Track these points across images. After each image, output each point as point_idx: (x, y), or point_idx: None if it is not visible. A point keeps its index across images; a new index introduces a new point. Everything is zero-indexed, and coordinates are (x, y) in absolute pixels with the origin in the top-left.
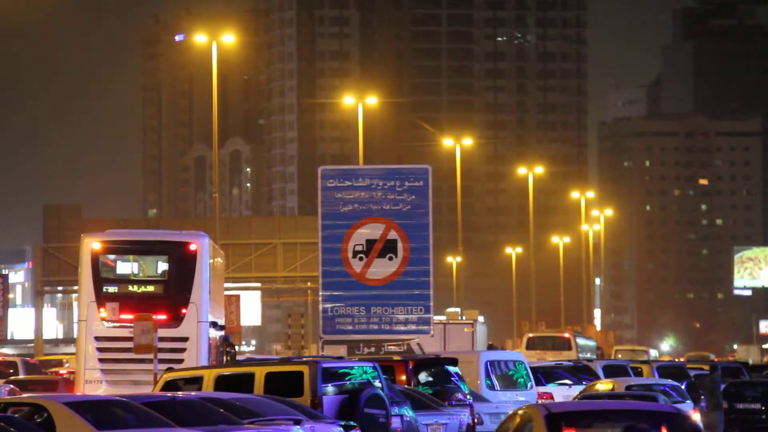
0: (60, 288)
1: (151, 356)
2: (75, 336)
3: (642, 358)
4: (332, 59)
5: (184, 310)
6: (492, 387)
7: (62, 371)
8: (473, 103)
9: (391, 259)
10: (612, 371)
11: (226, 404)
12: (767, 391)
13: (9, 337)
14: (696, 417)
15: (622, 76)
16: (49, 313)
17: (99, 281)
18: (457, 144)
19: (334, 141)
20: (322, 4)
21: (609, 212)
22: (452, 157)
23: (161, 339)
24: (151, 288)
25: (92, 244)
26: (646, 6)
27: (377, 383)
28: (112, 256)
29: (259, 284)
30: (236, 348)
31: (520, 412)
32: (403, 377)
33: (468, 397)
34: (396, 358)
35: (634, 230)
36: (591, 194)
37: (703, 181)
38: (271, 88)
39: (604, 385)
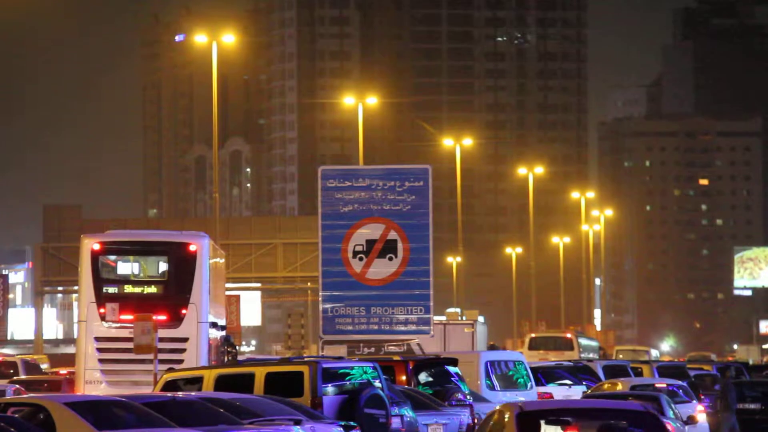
0: (60, 288)
1: (151, 357)
2: (75, 336)
3: (643, 358)
4: (332, 59)
5: (183, 311)
6: (492, 387)
7: (62, 371)
8: (473, 103)
9: (391, 259)
10: (612, 371)
11: (226, 404)
12: (767, 392)
13: (9, 338)
14: (702, 417)
15: (622, 76)
16: (49, 313)
17: (99, 282)
18: (458, 144)
19: (334, 141)
20: (322, 4)
21: (609, 212)
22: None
23: (161, 339)
24: (150, 288)
25: (92, 244)
26: (646, 6)
27: (377, 383)
28: (112, 257)
29: (259, 284)
30: (237, 348)
31: (498, 410)
32: (403, 377)
33: (468, 397)
34: (396, 358)
35: (634, 230)
36: (591, 194)
37: (703, 181)
38: (271, 88)
39: (611, 386)
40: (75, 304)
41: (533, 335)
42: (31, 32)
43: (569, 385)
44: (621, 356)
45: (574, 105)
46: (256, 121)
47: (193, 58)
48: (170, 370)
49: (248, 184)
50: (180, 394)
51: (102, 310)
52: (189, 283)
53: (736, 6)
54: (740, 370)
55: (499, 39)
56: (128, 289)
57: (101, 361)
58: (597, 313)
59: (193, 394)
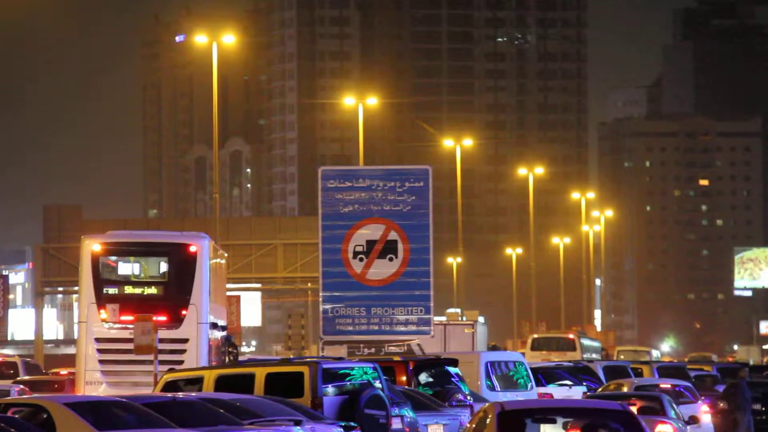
0: (60, 289)
1: (151, 357)
2: (75, 337)
3: (644, 359)
4: (332, 59)
5: (184, 312)
6: (492, 388)
7: (63, 371)
8: (473, 103)
9: (391, 259)
10: (612, 372)
11: (227, 405)
12: (767, 392)
13: (9, 338)
14: (707, 418)
15: (622, 76)
16: (50, 313)
17: (99, 283)
18: (458, 144)
19: (334, 141)
20: (322, 4)
21: (609, 213)
22: (452, 157)
23: (161, 340)
24: (151, 289)
25: (92, 245)
26: (646, 6)
27: (377, 384)
28: (112, 258)
29: (259, 285)
30: (238, 348)
31: (483, 409)
32: (404, 378)
33: (468, 397)
34: (396, 358)
35: (635, 231)
36: (591, 195)
37: (704, 182)
38: (271, 89)
39: (617, 387)
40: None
41: (535, 336)
42: (32, 32)
43: (569, 386)
44: (622, 357)
45: (574, 105)
46: (256, 122)
47: (193, 58)
48: (170, 370)
49: (248, 185)
50: (180, 394)
51: (102, 311)
52: (189, 284)
53: (736, 6)
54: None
55: (499, 39)
56: (128, 290)
57: (101, 362)
58: (597, 313)
59: (193, 394)
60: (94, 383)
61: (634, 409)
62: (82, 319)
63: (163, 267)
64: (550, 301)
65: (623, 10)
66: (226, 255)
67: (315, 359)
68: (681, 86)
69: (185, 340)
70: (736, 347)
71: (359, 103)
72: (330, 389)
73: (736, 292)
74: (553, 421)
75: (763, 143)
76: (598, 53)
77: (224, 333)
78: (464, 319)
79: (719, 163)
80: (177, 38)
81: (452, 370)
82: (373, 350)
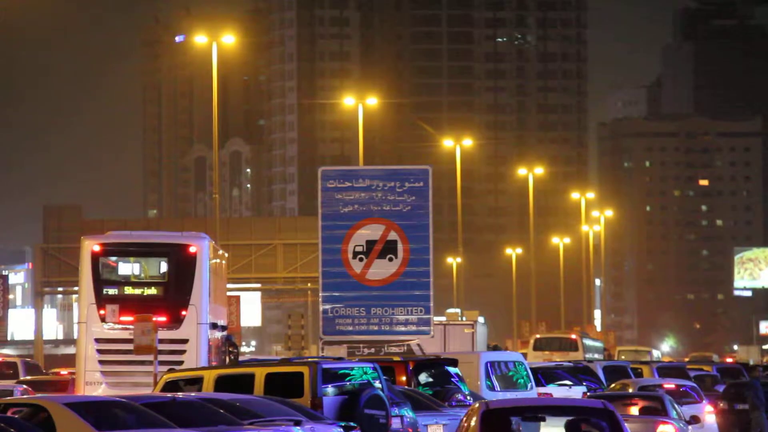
0: (60, 289)
1: (150, 358)
2: (75, 337)
3: (645, 359)
4: (332, 60)
5: (183, 312)
6: (492, 388)
7: (63, 372)
8: (473, 103)
9: (391, 259)
10: (612, 372)
11: (226, 405)
12: (767, 392)
13: (9, 338)
14: (711, 418)
15: (622, 76)
16: (49, 313)
17: (99, 283)
18: (458, 144)
19: (334, 141)
20: (322, 4)
21: (609, 213)
22: (452, 157)
23: (161, 341)
24: (150, 290)
25: (92, 246)
26: (646, 6)
27: (377, 384)
28: (111, 259)
29: (259, 285)
30: (238, 348)
31: (472, 407)
32: (403, 378)
33: (468, 397)
34: (396, 358)
35: (635, 231)
36: (591, 195)
37: (704, 182)
38: (271, 89)
39: (623, 387)
40: (75, 304)
41: (538, 336)
42: (31, 32)
43: (569, 386)
44: (623, 357)
45: (574, 106)
46: (256, 122)
47: (193, 58)
48: (170, 371)
49: (248, 185)
50: (180, 394)
51: (102, 312)
52: (189, 285)
53: (736, 6)
54: (740, 370)
55: (499, 40)
56: (128, 290)
57: (101, 362)
58: (597, 313)
59: (193, 394)
60: (93, 383)
61: (636, 410)
62: (81, 320)
63: (163, 267)
64: (549, 301)
65: (623, 10)
66: (226, 255)
67: (315, 359)
68: (681, 86)
69: (185, 341)
70: (735, 347)
71: (359, 104)
72: (330, 389)
73: (736, 293)
74: (538, 419)
75: (763, 143)
76: (598, 53)
77: (224, 333)
78: (464, 319)
79: (719, 163)
80: (177, 38)
81: (452, 370)
82: (372, 350)
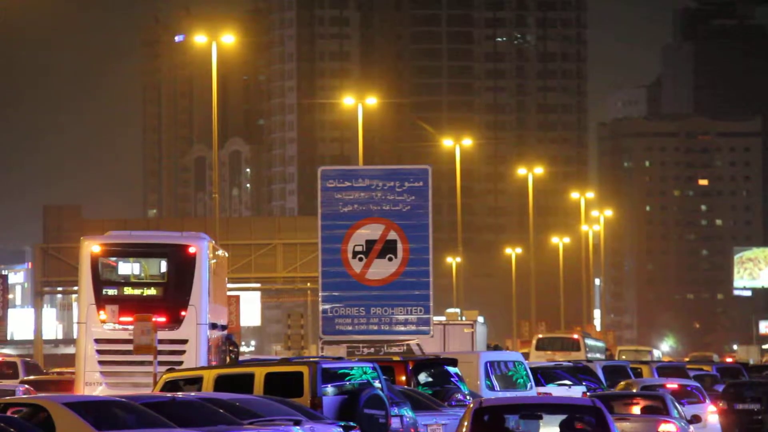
0: (60, 289)
1: (150, 358)
2: (75, 337)
3: (646, 359)
4: (332, 59)
5: (183, 313)
6: (492, 387)
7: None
8: (473, 103)
9: (390, 259)
10: (612, 372)
11: (226, 405)
12: (766, 392)
13: (9, 338)
14: (714, 418)
15: (622, 76)
16: (49, 313)
17: (98, 284)
18: (457, 144)
19: (334, 141)
20: (322, 4)
21: (609, 213)
22: (452, 157)
23: (161, 341)
24: (150, 290)
25: (92, 246)
26: (646, 6)
27: (377, 384)
28: (111, 259)
29: (258, 285)
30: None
31: (469, 406)
32: (403, 378)
33: (468, 397)
34: (395, 358)
35: (634, 231)
36: (591, 195)
37: (703, 182)
38: (270, 89)
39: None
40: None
41: (540, 336)
42: (31, 32)
43: (569, 386)
44: (624, 357)
45: (573, 105)
46: (256, 122)
47: (193, 58)
48: (170, 371)
49: (248, 185)
50: (180, 394)
51: (102, 312)
52: (188, 285)
53: (736, 6)
54: (740, 370)
55: (499, 39)
56: (128, 291)
57: (101, 362)
58: (597, 313)
59: (192, 394)
60: (93, 384)
61: (637, 409)
62: (81, 320)
63: (163, 268)
64: (549, 301)
65: (623, 10)
66: (226, 255)
67: (314, 359)
68: (681, 86)
69: (184, 341)
70: (735, 347)
71: (359, 103)
72: (329, 389)
73: (736, 292)
74: (534, 417)
75: (763, 143)
76: (598, 53)
77: (224, 333)
78: (464, 318)
79: (719, 163)
80: (177, 38)
81: (451, 369)
82: (372, 350)
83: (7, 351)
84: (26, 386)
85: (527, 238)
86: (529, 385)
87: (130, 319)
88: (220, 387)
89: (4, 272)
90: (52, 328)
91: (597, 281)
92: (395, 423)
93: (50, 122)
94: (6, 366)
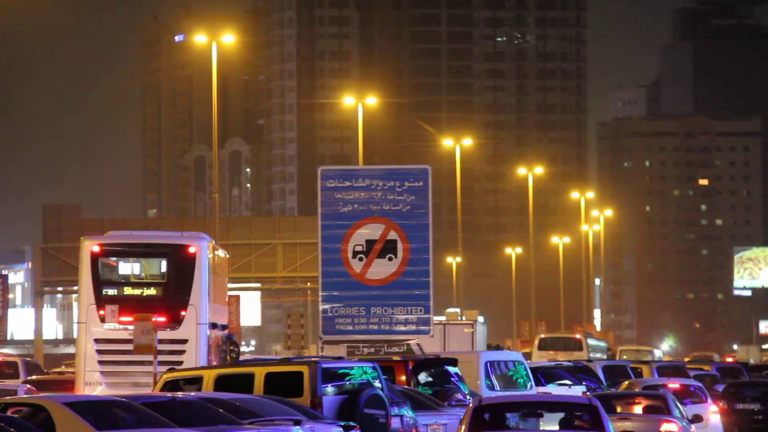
0: (60, 288)
1: (150, 358)
2: (75, 337)
3: (647, 358)
4: (332, 59)
5: (183, 313)
6: (492, 387)
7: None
8: (473, 103)
9: (390, 259)
10: (612, 371)
11: (226, 404)
12: (767, 392)
13: (9, 338)
14: (716, 418)
15: (622, 76)
16: (49, 313)
17: (98, 284)
18: (457, 144)
19: (334, 141)
20: (322, 4)
21: (609, 212)
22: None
23: (160, 341)
24: (150, 290)
25: (91, 246)
26: (646, 6)
27: (377, 383)
28: (111, 259)
29: (258, 284)
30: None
31: (469, 405)
32: (403, 377)
33: (468, 397)
34: (396, 358)
35: (634, 230)
36: (591, 194)
37: (703, 182)
38: (270, 88)
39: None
40: (74, 304)
41: (543, 336)
42: (31, 32)
43: (569, 385)
44: (625, 356)
45: (573, 105)
46: (256, 122)
47: (193, 58)
48: (170, 370)
49: (248, 185)
50: (179, 394)
51: (101, 312)
52: (188, 285)
53: (736, 6)
54: (740, 370)
55: (499, 39)
56: (127, 290)
57: (101, 362)
58: (597, 313)
59: (192, 394)
60: (93, 383)
61: (639, 408)
62: (81, 320)
63: (163, 268)
64: (549, 301)
65: (623, 10)
66: (227, 255)
67: (314, 359)
68: (680, 86)
69: (184, 341)
70: (735, 347)
71: (359, 103)
72: (329, 389)
73: (736, 292)
74: (534, 415)
75: (762, 143)
76: (597, 53)
77: (225, 333)
78: (464, 318)
79: (719, 162)
80: (176, 38)
81: (452, 369)
82: (372, 350)
83: (7, 351)
84: (28, 386)
85: (527, 237)
86: (529, 385)
87: (130, 318)
88: (220, 387)
89: (4, 272)
90: (52, 328)
91: (597, 281)
92: (395, 423)
93: (50, 122)
94: (6, 366)
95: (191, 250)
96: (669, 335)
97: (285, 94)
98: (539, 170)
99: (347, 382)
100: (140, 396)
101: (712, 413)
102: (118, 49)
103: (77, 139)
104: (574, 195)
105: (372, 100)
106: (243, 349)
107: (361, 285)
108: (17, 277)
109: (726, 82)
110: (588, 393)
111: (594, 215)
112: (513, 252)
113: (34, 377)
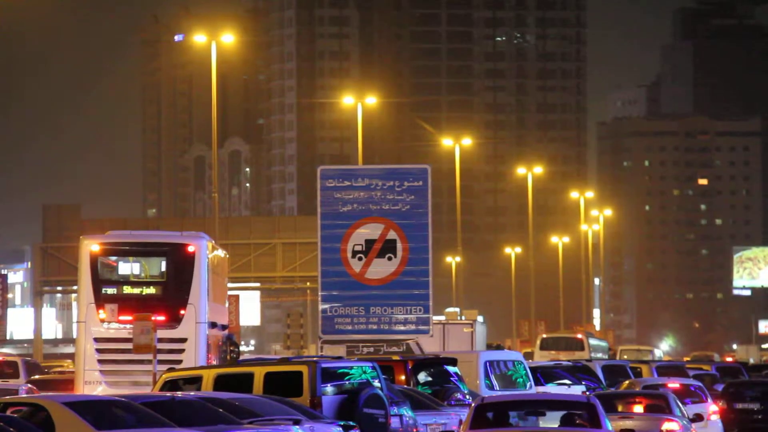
0: (59, 288)
1: (149, 357)
2: (74, 336)
3: (647, 358)
4: (332, 59)
5: (182, 312)
6: (491, 387)
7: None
8: (473, 103)
9: (390, 259)
10: (611, 371)
11: (226, 404)
12: (766, 391)
13: (8, 337)
14: (716, 417)
15: (622, 76)
16: (49, 313)
17: (98, 283)
18: (457, 144)
19: (333, 141)
20: (321, 3)
21: (608, 212)
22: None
23: (160, 340)
24: (149, 290)
25: (91, 246)
26: (646, 6)
27: (376, 383)
28: (111, 258)
29: (258, 284)
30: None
31: (472, 405)
32: (402, 377)
33: (467, 397)
34: (395, 358)
35: (634, 230)
36: (590, 194)
37: (703, 181)
38: (270, 88)
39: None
40: (74, 303)
41: (544, 336)
42: (31, 32)
43: (568, 385)
44: (625, 356)
45: (573, 105)
46: (256, 121)
47: (193, 58)
48: (170, 370)
49: (247, 184)
50: (179, 393)
51: (101, 311)
52: (188, 284)
53: (736, 6)
54: (739, 369)
55: (499, 39)
56: (127, 290)
57: (100, 361)
58: (596, 312)
59: (192, 393)
60: (93, 383)
61: (640, 408)
62: (81, 319)
63: (162, 267)
64: (549, 301)
65: (623, 10)
66: (227, 255)
67: (314, 358)
68: (680, 86)
69: (184, 340)
70: (735, 346)
71: (358, 103)
72: (329, 388)
73: (735, 292)
74: (536, 413)
75: (762, 143)
76: (597, 53)
77: (224, 332)
78: (463, 318)
79: (718, 162)
80: (176, 38)
81: (451, 369)
82: (372, 349)
83: (6, 350)
84: (29, 386)
85: (527, 237)
86: (528, 385)
87: (129, 318)
88: (220, 386)
89: (3, 272)
90: (52, 328)
91: (596, 281)
92: (395, 422)
93: (50, 122)
94: (7, 365)
95: (191, 249)
96: (669, 335)
97: (285, 94)
98: (539, 170)
99: (347, 382)
100: (140, 395)
101: (713, 413)
102: (118, 49)
103: (77, 139)
104: (574, 195)
105: (372, 100)
106: (242, 348)
107: (361, 285)
108: (17, 276)
109: (726, 82)
110: (587, 392)
111: (594, 215)
112: (512, 252)
113: (36, 377)
